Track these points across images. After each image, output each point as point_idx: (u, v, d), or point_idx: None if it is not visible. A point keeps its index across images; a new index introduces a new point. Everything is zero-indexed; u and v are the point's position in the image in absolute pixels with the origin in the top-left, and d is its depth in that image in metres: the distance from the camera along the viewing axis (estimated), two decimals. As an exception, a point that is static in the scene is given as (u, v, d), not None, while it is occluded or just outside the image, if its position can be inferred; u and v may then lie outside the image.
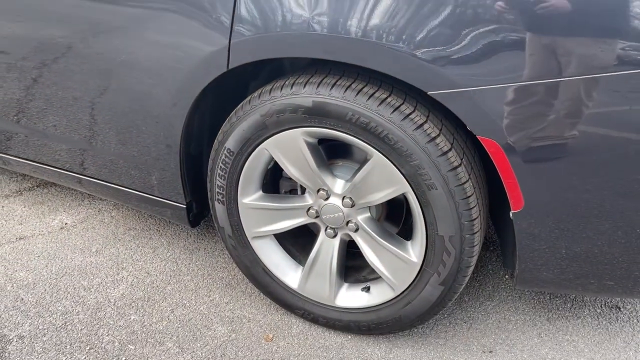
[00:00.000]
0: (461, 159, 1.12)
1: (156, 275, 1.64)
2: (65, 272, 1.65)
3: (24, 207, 1.96)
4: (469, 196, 1.13)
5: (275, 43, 1.14)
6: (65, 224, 1.87)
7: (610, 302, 1.54)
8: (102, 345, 1.40)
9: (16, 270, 1.65)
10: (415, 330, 1.45)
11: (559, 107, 0.98)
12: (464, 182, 1.12)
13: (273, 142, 1.25)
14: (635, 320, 1.48)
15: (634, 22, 0.91)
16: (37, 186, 2.08)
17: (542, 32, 0.95)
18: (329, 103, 1.14)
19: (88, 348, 1.40)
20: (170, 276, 1.63)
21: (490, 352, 1.40)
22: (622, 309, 1.52)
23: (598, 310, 1.52)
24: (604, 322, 1.48)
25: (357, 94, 1.12)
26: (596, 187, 1.05)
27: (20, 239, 1.79)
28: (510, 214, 1.13)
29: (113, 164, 1.55)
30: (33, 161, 1.73)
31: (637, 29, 0.91)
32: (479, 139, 1.06)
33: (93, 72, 1.38)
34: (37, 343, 1.41)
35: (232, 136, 1.28)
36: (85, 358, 1.37)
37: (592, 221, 1.10)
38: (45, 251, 1.74)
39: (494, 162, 1.07)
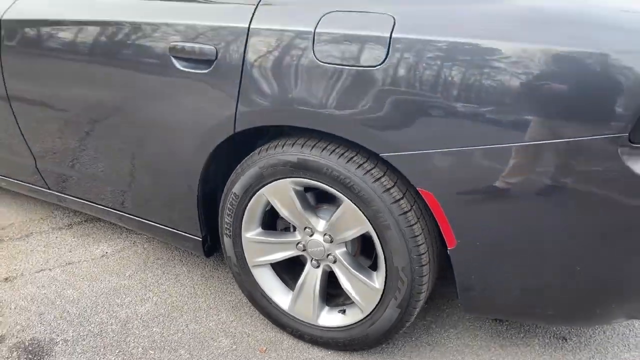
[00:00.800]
0: (412, 206, 1.43)
1: (176, 297, 1.97)
2: (104, 291, 2.00)
3: (74, 237, 2.35)
4: (417, 235, 1.43)
5: (265, 115, 1.49)
6: (106, 252, 2.24)
7: (559, 333, 1.79)
8: (129, 350, 1.73)
9: (64, 289, 2.02)
10: (386, 349, 1.73)
11: (477, 168, 1.29)
12: (413, 224, 1.43)
13: (268, 189, 1.59)
14: (578, 351, 1.72)
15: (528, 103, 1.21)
16: (85, 221, 2.47)
17: (455, 111, 1.27)
18: (309, 160, 1.48)
19: (117, 351, 1.73)
20: (188, 298, 1.97)
21: (447, 370, 1.66)
22: (567, 340, 1.76)
23: (547, 340, 1.76)
24: (549, 351, 1.72)
25: (330, 153, 1.46)
26: (513, 229, 1.34)
27: (69, 263, 2.17)
28: (448, 251, 1.43)
29: (146, 203, 1.92)
30: (83, 199, 2.12)
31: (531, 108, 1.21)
32: (419, 190, 1.37)
33: (133, 129, 1.77)
34: (77, 346, 1.75)
35: (237, 183, 1.63)
36: (114, 359, 1.70)
37: (513, 257, 1.38)
38: (89, 274, 2.10)
39: (431, 209, 1.38)
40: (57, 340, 1.77)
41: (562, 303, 1.43)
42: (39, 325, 1.83)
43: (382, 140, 1.36)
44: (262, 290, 1.76)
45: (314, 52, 1.37)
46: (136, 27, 1.64)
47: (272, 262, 1.73)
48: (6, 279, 2.08)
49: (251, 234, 1.70)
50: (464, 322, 1.84)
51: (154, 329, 1.81)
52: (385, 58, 1.29)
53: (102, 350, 1.73)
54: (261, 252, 1.73)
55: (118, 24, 1.68)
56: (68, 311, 1.90)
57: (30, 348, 1.73)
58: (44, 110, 1.95)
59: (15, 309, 1.91)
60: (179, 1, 1.65)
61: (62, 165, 2.07)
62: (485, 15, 1.26)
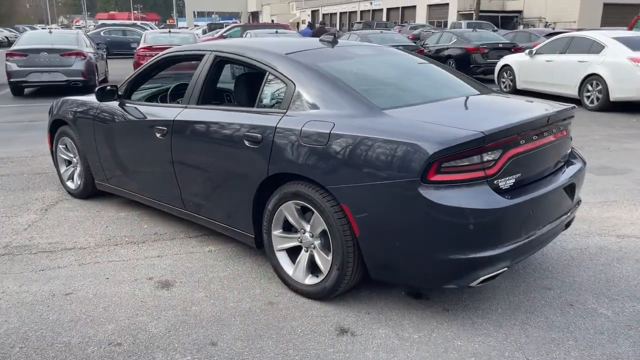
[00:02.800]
0: (345, 215, 2.88)
1: (241, 271, 3.53)
2: (211, 264, 3.62)
3: (195, 241, 4.04)
4: (346, 230, 2.86)
5: (280, 168, 3.07)
6: (211, 249, 3.89)
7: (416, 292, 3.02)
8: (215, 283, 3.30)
9: (201, 262, 3.68)
10: (339, 304, 3.10)
11: (363, 193, 2.72)
12: (344, 224, 2.86)
13: (283, 206, 3.14)
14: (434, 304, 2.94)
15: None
16: (202, 234, 4.17)
17: (352, 168, 2.74)
18: (300, 191, 3.01)
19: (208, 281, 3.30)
20: (245, 271, 3.51)
21: (345, 331, 2.98)
22: (427, 297, 2.99)
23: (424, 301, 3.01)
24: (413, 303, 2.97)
25: (308, 187, 2.98)
26: (383, 226, 2.72)
27: (197, 253, 3.84)
28: (357, 238, 2.83)
29: (231, 216, 3.54)
30: (200, 215, 3.81)
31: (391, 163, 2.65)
32: (342, 205, 2.83)
33: (228, 176, 3.42)
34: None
35: (269, 203, 3.19)
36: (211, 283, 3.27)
37: (387, 241, 2.75)
38: (202, 259, 3.75)
39: (347, 215, 2.82)
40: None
41: (422, 269, 2.74)
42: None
43: (326, 180, 2.86)
44: (280, 264, 3.26)
45: (300, 139, 2.96)
46: (231, 124, 3.36)
47: (286, 248, 3.24)
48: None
49: (276, 232, 3.24)
50: (398, 291, 3.15)
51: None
52: (327, 142, 2.84)
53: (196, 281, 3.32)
54: (281, 242, 3.24)
55: (222, 123, 3.42)
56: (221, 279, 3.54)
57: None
58: (188, 168, 3.72)
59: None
60: (246, 112, 3.35)
61: (194, 196, 3.80)
62: None
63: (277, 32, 14.59)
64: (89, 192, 4.91)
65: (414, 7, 44.00)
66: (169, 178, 3.90)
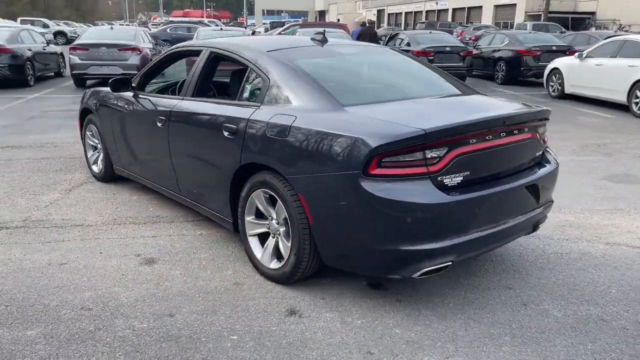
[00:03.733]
0: (302, 204, 3.05)
1: (217, 251, 3.77)
2: (198, 245, 3.90)
3: (190, 224, 4.33)
4: (303, 217, 3.03)
5: (250, 158, 3.28)
6: (202, 233, 4.16)
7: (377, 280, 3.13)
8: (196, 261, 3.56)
9: (187, 243, 3.97)
10: (300, 288, 3.27)
11: (316, 183, 2.89)
12: (302, 212, 3.04)
13: (254, 194, 3.35)
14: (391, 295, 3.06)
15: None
16: (195, 220, 4.45)
17: (306, 160, 2.92)
18: (266, 180, 3.21)
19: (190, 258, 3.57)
20: (223, 254, 3.75)
21: (294, 312, 3.14)
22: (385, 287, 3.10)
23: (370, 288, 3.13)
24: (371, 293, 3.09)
25: (272, 177, 3.17)
26: (331, 214, 2.88)
27: (189, 236, 4.13)
28: (310, 226, 3.00)
29: (212, 200, 3.79)
30: (191, 200, 4.09)
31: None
32: (298, 194, 3.00)
33: (209, 162, 3.68)
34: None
35: (243, 191, 3.41)
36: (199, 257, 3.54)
37: (333, 229, 2.90)
38: (192, 240, 4.03)
39: (302, 203, 2.99)
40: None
41: (366, 259, 2.89)
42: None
43: (286, 170, 3.05)
44: (251, 248, 3.48)
45: (267, 131, 3.16)
46: (214, 115, 3.61)
47: (257, 234, 3.45)
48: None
49: (249, 218, 3.46)
50: (360, 281, 3.30)
51: (203, 254, 3.63)
52: (287, 134, 3.02)
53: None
54: (252, 228, 3.46)
55: (207, 114, 3.67)
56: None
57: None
58: (181, 156, 4.01)
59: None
60: (229, 105, 3.58)
61: (187, 182, 4.08)
62: None
63: (324, 31, 14.76)
64: (110, 176, 5.32)
65: (480, 7, 43.01)
66: (167, 164, 4.20)
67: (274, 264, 3.33)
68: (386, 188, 2.71)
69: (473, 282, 3.39)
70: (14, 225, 4.28)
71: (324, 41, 4.00)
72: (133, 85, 4.65)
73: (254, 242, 3.49)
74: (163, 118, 4.09)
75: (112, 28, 14.71)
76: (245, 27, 44.12)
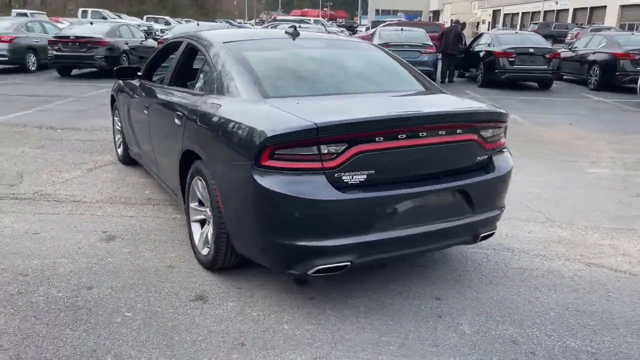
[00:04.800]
0: (217, 195, 3.09)
1: (167, 230, 3.91)
2: (148, 217, 4.09)
3: (155, 203, 4.53)
4: (221, 211, 3.07)
5: (189, 146, 3.38)
6: (154, 198, 4.34)
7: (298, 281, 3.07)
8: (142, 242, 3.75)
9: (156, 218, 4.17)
10: (224, 272, 3.32)
11: (225, 174, 2.92)
12: (217, 202, 3.08)
13: (193, 182, 3.44)
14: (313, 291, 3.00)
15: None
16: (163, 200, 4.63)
17: (219, 155, 2.95)
18: (199, 168, 3.29)
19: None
20: (165, 248, 3.89)
21: (201, 298, 3.16)
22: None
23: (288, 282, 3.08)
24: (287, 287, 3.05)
25: (202, 165, 3.24)
26: (236, 207, 2.89)
27: (159, 211, 4.34)
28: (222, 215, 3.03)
29: (170, 180, 3.95)
30: (162, 181, 4.27)
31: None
32: (214, 183, 3.05)
33: (166, 149, 3.83)
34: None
35: (187, 178, 3.52)
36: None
37: (239, 222, 2.91)
38: (151, 215, 4.23)
39: (217, 193, 3.03)
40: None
41: (263, 251, 2.86)
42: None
43: (207, 159, 3.11)
44: (192, 234, 3.58)
45: (197, 120, 3.24)
46: (172, 103, 3.75)
47: (198, 220, 3.54)
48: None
49: (192, 205, 3.56)
50: (259, 268, 3.28)
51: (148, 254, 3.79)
52: (210, 124, 3.08)
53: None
54: (194, 214, 3.56)
55: (168, 102, 3.82)
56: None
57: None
58: (157, 141, 4.21)
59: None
60: (185, 93, 3.70)
61: (161, 167, 4.27)
62: None
63: (402, 29, 14.55)
64: (128, 158, 5.69)
65: (604, 7, 39.67)
66: (150, 149, 4.43)
67: (205, 251, 3.41)
68: (277, 181, 2.67)
69: (401, 288, 3.22)
70: (23, 197, 4.74)
71: (295, 34, 3.98)
72: (139, 74, 4.94)
73: (195, 228, 3.58)
74: (146, 105, 4.32)
75: (198, 24, 15.59)
76: (356, 27, 44.37)
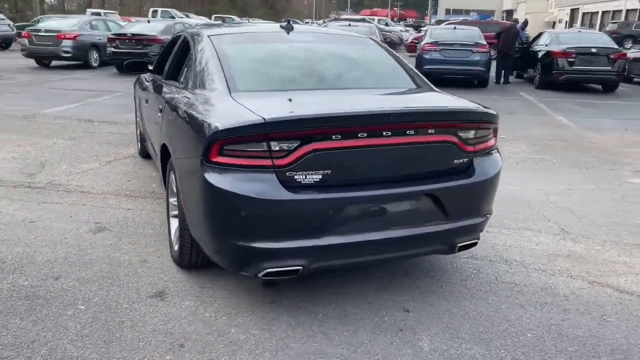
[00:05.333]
0: (180, 191, 3.02)
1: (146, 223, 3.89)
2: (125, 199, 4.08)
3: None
4: (182, 205, 3.00)
5: (164, 139, 3.33)
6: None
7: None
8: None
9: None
10: (196, 270, 3.24)
11: (181, 169, 2.84)
12: (181, 198, 3.01)
13: (171, 177, 3.39)
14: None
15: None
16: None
17: (178, 148, 2.88)
18: (172, 162, 3.24)
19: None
20: (146, 242, 3.86)
21: (160, 294, 3.07)
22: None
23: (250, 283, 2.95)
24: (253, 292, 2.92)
25: (175, 162, 3.19)
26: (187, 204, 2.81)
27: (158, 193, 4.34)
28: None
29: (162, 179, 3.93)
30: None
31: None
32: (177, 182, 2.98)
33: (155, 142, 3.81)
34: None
35: (167, 173, 3.48)
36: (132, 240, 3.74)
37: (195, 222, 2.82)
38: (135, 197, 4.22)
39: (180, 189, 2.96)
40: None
41: (216, 251, 2.75)
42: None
43: (173, 153, 3.05)
44: (170, 230, 3.53)
45: (170, 113, 3.18)
46: (158, 96, 3.72)
47: (174, 215, 3.49)
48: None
49: (172, 200, 3.51)
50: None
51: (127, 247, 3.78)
52: (176, 118, 3.02)
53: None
54: (173, 209, 3.51)
55: (157, 96, 3.79)
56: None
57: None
58: (152, 133, 4.21)
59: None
60: (170, 86, 3.66)
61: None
62: None
63: (455, 28, 14.03)
64: (145, 152, 5.77)
65: (694, 6, 36.74)
66: (150, 143, 4.45)
67: (176, 247, 3.35)
68: (225, 178, 2.55)
69: (373, 297, 3.02)
70: (36, 186, 4.88)
71: (289, 28, 3.85)
72: (150, 68, 4.98)
73: (173, 224, 3.53)
74: (146, 99, 4.35)
75: (248, 21, 15.71)
76: (422, 27, 43.69)
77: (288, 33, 3.79)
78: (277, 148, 2.52)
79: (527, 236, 3.99)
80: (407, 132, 2.68)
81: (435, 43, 12.56)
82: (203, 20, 33.49)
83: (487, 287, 3.19)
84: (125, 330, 2.65)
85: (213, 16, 40.81)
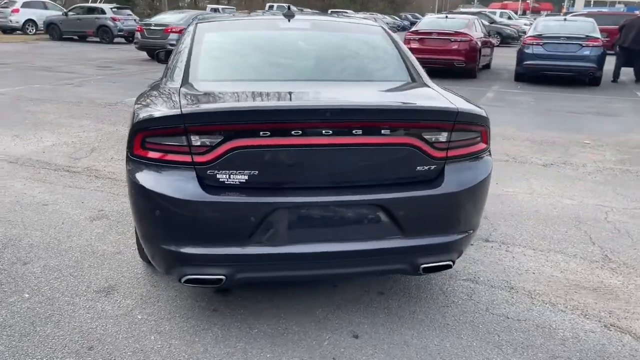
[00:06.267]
0: None
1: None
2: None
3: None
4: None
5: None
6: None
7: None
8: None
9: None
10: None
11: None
12: None
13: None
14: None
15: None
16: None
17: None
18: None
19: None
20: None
21: (110, 290, 2.92)
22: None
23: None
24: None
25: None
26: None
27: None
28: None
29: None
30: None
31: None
32: (130, 170, 2.84)
33: None
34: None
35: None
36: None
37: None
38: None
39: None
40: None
41: (145, 250, 2.57)
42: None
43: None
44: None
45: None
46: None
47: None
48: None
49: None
50: (201, 282, 2.96)
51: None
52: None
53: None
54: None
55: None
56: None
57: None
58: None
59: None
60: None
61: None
62: None
63: (565, 19, 12.65)
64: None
65: None
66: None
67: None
68: (144, 173, 2.36)
69: (324, 316, 2.67)
70: (73, 170, 5.07)
71: (290, 16, 3.56)
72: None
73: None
74: None
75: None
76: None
77: (289, 21, 3.50)
78: (198, 143, 2.28)
79: (555, 260, 3.36)
80: (354, 131, 2.30)
81: (539, 36, 11.44)
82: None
83: (469, 318, 2.69)
84: (49, 325, 2.56)
85: (330, 11, 41.06)
